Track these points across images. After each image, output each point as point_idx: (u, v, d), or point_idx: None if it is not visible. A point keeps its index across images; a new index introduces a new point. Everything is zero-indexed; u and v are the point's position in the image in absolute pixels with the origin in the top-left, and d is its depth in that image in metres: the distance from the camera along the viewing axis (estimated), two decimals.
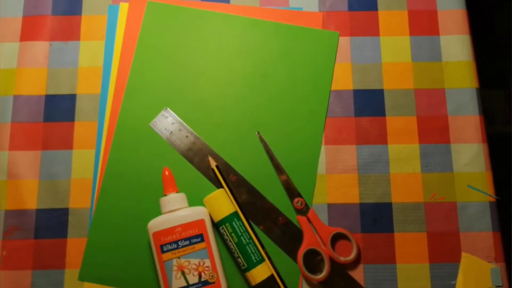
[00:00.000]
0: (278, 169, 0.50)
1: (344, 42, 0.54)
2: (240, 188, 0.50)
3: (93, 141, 0.52)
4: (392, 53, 0.54)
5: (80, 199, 0.50)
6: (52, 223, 0.49)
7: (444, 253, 0.48)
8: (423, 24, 0.54)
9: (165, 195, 0.48)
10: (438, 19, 0.55)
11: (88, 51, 0.54)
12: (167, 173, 0.49)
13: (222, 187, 0.49)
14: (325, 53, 0.54)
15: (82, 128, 0.52)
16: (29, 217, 0.50)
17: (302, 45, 0.54)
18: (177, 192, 0.48)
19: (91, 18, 0.55)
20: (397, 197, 0.50)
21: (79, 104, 0.52)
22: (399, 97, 0.52)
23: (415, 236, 0.49)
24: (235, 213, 0.47)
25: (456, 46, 0.54)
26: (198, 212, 0.47)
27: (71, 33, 0.54)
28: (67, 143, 0.51)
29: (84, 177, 0.51)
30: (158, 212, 0.48)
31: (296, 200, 0.49)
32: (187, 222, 0.46)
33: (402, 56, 0.54)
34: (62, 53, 0.54)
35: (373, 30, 0.54)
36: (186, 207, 0.47)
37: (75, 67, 0.53)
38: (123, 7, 0.55)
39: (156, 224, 0.46)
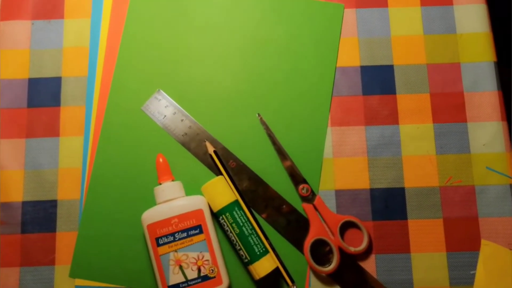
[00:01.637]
0: (281, 153, 0.47)
1: (350, 14, 0.50)
2: (240, 175, 0.46)
3: (81, 128, 0.48)
4: (402, 25, 0.50)
5: (69, 190, 0.47)
6: (39, 216, 0.46)
7: (462, 241, 0.45)
8: None
9: (160, 183, 0.45)
10: None
11: (73, 30, 0.50)
12: (161, 160, 0.46)
13: (221, 174, 0.45)
14: (329, 27, 0.49)
15: (69, 113, 0.48)
16: (14, 211, 0.46)
17: (304, 19, 0.49)
18: (172, 180, 0.45)
19: None
20: (410, 182, 0.46)
21: (65, 88, 0.49)
22: (410, 73, 0.48)
23: (430, 223, 0.45)
24: (236, 201, 0.44)
25: (471, 17, 0.49)
26: (195, 202, 0.43)
27: (54, 11, 0.50)
28: (53, 130, 0.48)
29: (72, 167, 0.47)
30: (152, 202, 0.44)
31: (301, 186, 0.46)
32: (184, 213, 0.42)
33: (413, 29, 0.50)
34: (45, 33, 0.50)
35: (381, 1, 0.50)
36: (183, 196, 0.44)
37: (60, 48, 0.49)
38: None
39: (150, 215, 0.43)
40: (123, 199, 0.46)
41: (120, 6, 0.50)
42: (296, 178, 0.46)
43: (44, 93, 0.48)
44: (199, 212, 0.43)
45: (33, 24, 0.50)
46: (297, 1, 0.50)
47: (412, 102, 0.48)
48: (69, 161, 0.47)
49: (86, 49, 0.50)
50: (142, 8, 0.50)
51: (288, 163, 0.46)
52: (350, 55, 0.49)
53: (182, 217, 0.42)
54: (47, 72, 0.49)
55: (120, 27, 0.50)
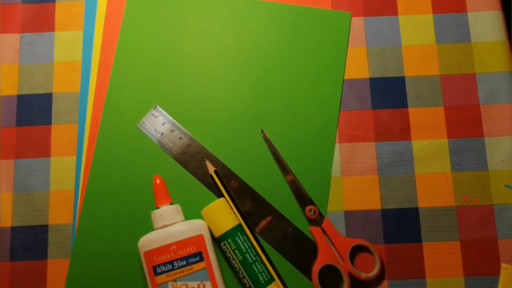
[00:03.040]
0: (286, 172, 0.44)
1: (358, 23, 0.47)
2: (243, 196, 0.43)
3: (73, 147, 0.45)
4: (413, 34, 0.47)
5: (61, 214, 0.44)
6: (29, 242, 0.43)
7: (481, 265, 0.42)
8: None
9: (157, 207, 0.42)
10: None
11: (65, 43, 0.47)
12: (158, 181, 0.43)
13: (222, 195, 0.43)
14: (336, 36, 0.47)
15: (60, 132, 0.45)
16: (3, 236, 0.43)
17: (309, 28, 0.47)
18: (170, 203, 0.42)
19: (67, 5, 0.48)
20: (424, 201, 0.43)
21: (56, 105, 0.46)
22: (423, 85, 0.46)
23: (446, 246, 0.42)
24: (239, 226, 0.41)
25: (486, 24, 0.46)
26: (195, 227, 0.41)
27: (45, 23, 0.48)
28: (44, 150, 0.45)
29: (64, 189, 0.44)
30: (149, 227, 0.41)
31: (308, 208, 0.43)
32: (183, 239, 0.40)
33: (424, 38, 0.47)
34: (34, 47, 0.47)
35: (390, 9, 0.47)
36: (182, 220, 0.41)
37: (50, 62, 0.47)
38: None
39: (147, 241, 0.40)
40: (118, 223, 0.43)
41: (114, 17, 0.47)
42: (303, 199, 0.43)
43: (34, 110, 0.46)
44: (199, 237, 0.40)
45: (21, 37, 0.47)
46: (302, 10, 0.47)
47: (425, 116, 0.45)
48: (60, 183, 0.44)
49: (78, 63, 0.47)
50: (137, 19, 0.47)
51: (293, 182, 0.44)
52: (359, 67, 0.46)
53: (181, 243, 0.40)
54: (37, 88, 0.46)
55: (114, 40, 0.47)
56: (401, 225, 0.43)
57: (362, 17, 0.47)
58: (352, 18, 0.47)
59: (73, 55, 0.47)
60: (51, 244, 0.43)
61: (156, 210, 0.41)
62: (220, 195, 0.43)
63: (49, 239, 0.43)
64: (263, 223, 0.43)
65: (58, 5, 0.48)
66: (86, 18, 0.48)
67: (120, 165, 0.44)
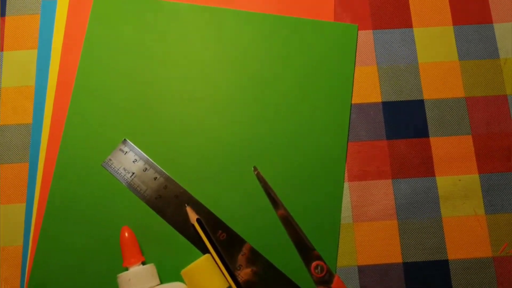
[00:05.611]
0: (286, 221, 0.36)
1: (365, 37, 0.40)
2: (232, 250, 0.35)
3: (22, 192, 0.37)
4: (431, 49, 0.40)
5: (6, 275, 0.35)
6: None
7: None
8: (470, 8, 0.40)
9: (126, 268, 0.33)
10: (489, 0, 0.41)
11: (15, 65, 0.39)
12: (127, 234, 0.34)
13: (207, 251, 0.34)
14: (341, 54, 0.39)
15: (7, 173, 0.37)
16: None
17: (308, 44, 0.39)
18: (142, 262, 0.34)
19: (18, 20, 0.40)
20: (454, 252, 0.36)
21: (3, 140, 0.38)
22: (445, 110, 0.38)
23: None
24: None
25: None
26: None
27: None
28: None
29: (11, 245, 0.36)
30: None
31: (314, 264, 0.35)
32: None
33: (445, 54, 0.39)
34: None
35: (403, 20, 0.40)
36: (157, 284, 0.33)
37: None
38: (62, 3, 0.40)
39: None
40: None
41: (74, 33, 0.40)
42: (307, 253, 0.35)
43: None
44: None
45: None
46: (299, 22, 0.40)
47: (450, 146, 0.37)
48: (8, 238, 0.36)
49: (31, 89, 0.39)
50: (103, 36, 0.39)
51: (295, 233, 0.35)
52: (369, 89, 0.39)
53: None
54: None
55: (76, 60, 0.39)
56: (428, 282, 0.35)
57: (371, 30, 0.40)
58: (359, 32, 0.40)
59: (25, 79, 0.39)
60: None
61: (124, 273, 0.33)
62: (204, 250, 0.35)
63: None
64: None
65: (8, 19, 0.40)
66: (41, 35, 0.40)
67: (80, 214, 0.36)
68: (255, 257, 0.35)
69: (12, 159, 0.37)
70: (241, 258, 0.35)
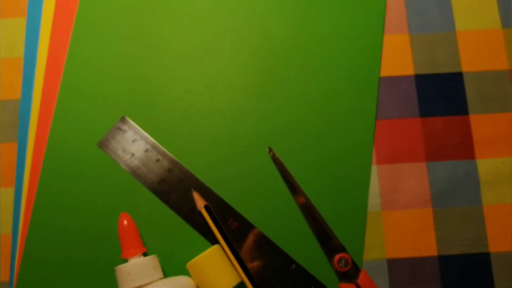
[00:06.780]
0: (306, 208, 0.32)
1: (396, 2, 0.35)
2: (245, 241, 0.31)
3: (11, 175, 0.33)
4: (471, 16, 0.35)
5: None
6: None
7: None
8: None
9: (125, 260, 0.29)
10: None
11: (1, 35, 0.35)
12: (126, 222, 0.30)
13: (216, 241, 0.30)
14: (368, 20, 0.35)
15: None
16: None
17: (329, 12, 0.35)
18: (143, 254, 0.30)
19: None
20: (496, 243, 0.32)
21: None
22: (487, 84, 0.34)
23: None
24: (241, 285, 0.29)
25: None
26: (179, 287, 0.28)
27: None
28: None
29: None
30: None
31: (337, 257, 0.31)
32: None
33: (486, 20, 0.35)
34: None
35: None
36: (160, 278, 0.29)
37: None
38: None
39: None
40: (70, 282, 0.31)
41: None
42: (330, 245, 0.31)
43: None
44: None
45: None
46: None
47: (492, 125, 0.33)
48: None
49: (19, 60, 0.35)
50: (99, 1, 0.35)
51: (316, 222, 0.31)
52: (400, 60, 0.35)
53: None
54: None
55: (68, 29, 0.35)
56: (466, 277, 0.31)
57: None
58: None
59: (13, 50, 0.35)
60: None
61: (123, 265, 0.29)
62: (213, 240, 0.31)
63: None
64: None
65: None
66: (30, 0, 0.36)
67: (74, 199, 0.32)
68: (270, 248, 0.31)
69: (0, 138, 0.34)
70: (254, 249, 0.31)
